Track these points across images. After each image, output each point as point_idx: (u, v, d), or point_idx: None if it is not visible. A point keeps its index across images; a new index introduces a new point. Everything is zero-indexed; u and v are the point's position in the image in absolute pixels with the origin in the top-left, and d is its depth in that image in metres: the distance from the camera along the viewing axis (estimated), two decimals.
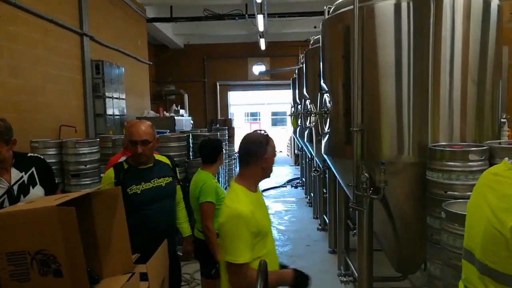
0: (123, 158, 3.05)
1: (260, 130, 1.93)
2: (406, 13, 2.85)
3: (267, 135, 1.89)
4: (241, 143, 1.91)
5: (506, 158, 1.56)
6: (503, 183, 1.34)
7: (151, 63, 10.41)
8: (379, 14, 2.92)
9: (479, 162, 2.41)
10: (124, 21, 8.18)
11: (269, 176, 1.98)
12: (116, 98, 6.87)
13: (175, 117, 7.86)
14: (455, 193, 2.39)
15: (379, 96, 2.97)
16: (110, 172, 2.45)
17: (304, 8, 8.88)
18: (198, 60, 13.74)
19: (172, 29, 11.76)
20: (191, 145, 5.24)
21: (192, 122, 9.93)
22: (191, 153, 5.20)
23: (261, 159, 1.84)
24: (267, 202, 7.89)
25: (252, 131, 2.07)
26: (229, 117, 13.28)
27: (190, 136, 5.26)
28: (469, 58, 2.85)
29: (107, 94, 6.49)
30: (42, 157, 2.45)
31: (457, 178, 2.38)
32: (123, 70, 7.25)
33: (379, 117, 2.98)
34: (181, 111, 10.06)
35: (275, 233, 5.76)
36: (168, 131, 6.26)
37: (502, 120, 3.08)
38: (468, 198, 2.30)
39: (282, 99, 15.41)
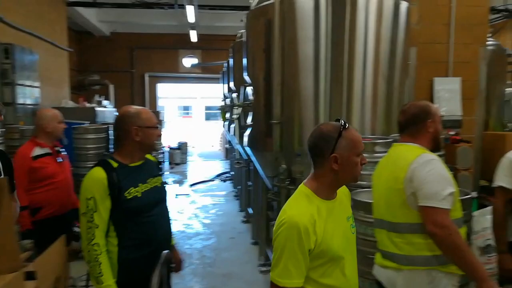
0: (38, 150, 2.77)
1: (339, 120, 1.47)
2: (324, 10, 2.95)
3: (342, 126, 1.44)
4: (310, 135, 1.53)
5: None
6: (397, 154, 1.96)
7: (72, 50, 9.70)
8: (299, 9, 2.98)
9: (385, 153, 2.57)
10: (39, 3, 7.51)
11: (349, 182, 1.55)
12: (29, 86, 6.27)
13: (96, 108, 7.39)
14: (363, 182, 2.52)
15: (298, 89, 3.05)
16: (99, 173, 1.81)
17: (236, 2, 8.86)
18: (125, 50, 13.09)
19: (97, 15, 11.06)
20: (111, 137, 4.96)
21: (117, 114, 9.45)
22: (110, 146, 4.93)
23: (328, 159, 1.42)
24: (195, 196, 7.79)
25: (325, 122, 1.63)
26: (157, 110, 12.85)
27: (110, 128, 4.98)
28: (380, 56, 3.03)
29: (18, 81, 5.90)
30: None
31: (364, 168, 2.51)
32: (37, 56, 6.65)
33: (298, 110, 3.06)
34: (105, 102, 9.51)
35: (199, 227, 5.70)
36: (88, 122, 5.87)
37: None
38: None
39: (215, 93, 15.29)
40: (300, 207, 1.41)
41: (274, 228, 1.43)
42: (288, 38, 3.00)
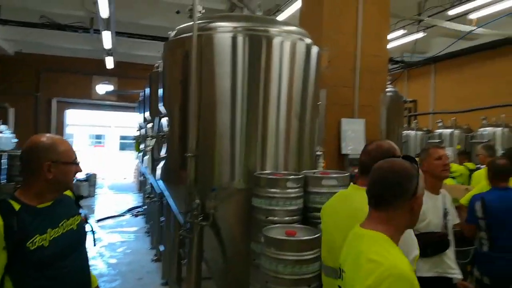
0: None
1: (399, 157, 1.32)
2: (241, 48, 3.01)
3: (415, 162, 1.29)
4: (375, 174, 1.32)
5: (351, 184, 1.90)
6: (358, 201, 1.65)
7: None
8: (217, 44, 3.01)
9: (296, 189, 2.63)
10: None
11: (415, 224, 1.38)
12: None
13: None
14: (275, 218, 2.54)
15: (215, 123, 3.02)
16: None
17: (155, 32, 8.77)
18: (31, 72, 12.06)
19: (0, 33, 10.12)
20: (4, 166, 4.41)
21: (16, 140, 8.55)
22: (4, 176, 4.37)
23: (410, 199, 1.25)
24: (101, 233, 7.19)
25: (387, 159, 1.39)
26: (65, 138, 11.89)
27: (3, 156, 4.44)
28: (293, 95, 3.16)
29: None
30: None
31: (276, 204, 2.54)
32: None
33: (214, 143, 3.02)
34: (1, 128, 8.54)
35: (103, 267, 5.22)
36: None
37: (318, 152, 3.48)
38: (286, 223, 2.47)
39: (131, 122, 14.67)
40: (395, 254, 1.21)
41: (367, 282, 1.15)
42: (205, 71, 3.00)
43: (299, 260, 2.18)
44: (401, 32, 7.92)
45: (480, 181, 3.72)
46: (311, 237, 2.24)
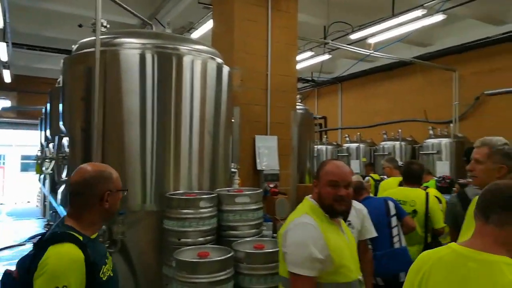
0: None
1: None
2: (150, 65, 2.93)
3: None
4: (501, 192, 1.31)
5: (308, 196, 1.94)
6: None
7: None
8: (124, 60, 2.89)
9: (209, 209, 2.60)
10: None
11: None
12: None
13: None
14: (188, 240, 2.47)
15: (123, 143, 2.87)
16: (75, 252, 1.39)
17: (61, 45, 8.18)
18: None
19: None
20: None
21: None
22: None
23: None
24: None
25: None
26: None
27: None
28: (205, 113, 3.15)
29: None
30: None
31: (189, 225, 2.47)
32: None
33: (123, 165, 2.86)
34: None
35: None
36: None
37: (233, 169, 3.50)
38: (200, 244, 2.41)
39: (34, 141, 13.41)
40: None
41: None
42: (110, 89, 2.85)
43: (213, 281, 2.14)
44: (309, 53, 8.43)
45: (387, 189, 4.05)
46: (223, 257, 2.21)
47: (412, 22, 6.28)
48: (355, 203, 2.51)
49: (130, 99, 2.88)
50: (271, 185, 4.18)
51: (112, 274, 1.58)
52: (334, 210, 1.81)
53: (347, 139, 10.12)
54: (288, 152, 4.56)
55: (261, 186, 4.22)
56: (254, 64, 4.38)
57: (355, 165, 8.97)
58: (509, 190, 1.27)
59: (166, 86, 2.95)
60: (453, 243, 1.37)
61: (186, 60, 3.02)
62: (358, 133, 9.76)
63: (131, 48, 2.91)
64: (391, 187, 4.16)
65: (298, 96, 6.23)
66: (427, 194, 3.43)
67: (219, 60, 3.29)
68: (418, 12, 5.78)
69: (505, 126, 7.94)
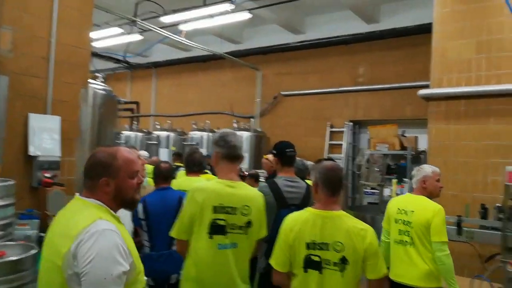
0: None
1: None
2: None
3: None
4: None
5: (77, 194, 1.60)
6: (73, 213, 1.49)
7: None
8: None
9: None
10: None
11: None
12: None
13: None
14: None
15: None
16: None
17: None
18: None
19: None
20: None
21: None
22: None
23: None
24: None
25: None
26: None
27: None
28: None
29: None
30: None
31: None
32: None
33: None
34: None
35: None
36: None
37: None
38: None
39: None
40: None
41: None
42: None
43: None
44: (118, 30, 7.73)
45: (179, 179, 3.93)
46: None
47: (221, 15, 6.42)
48: None
49: None
50: (47, 175, 3.50)
51: None
52: (135, 201, 1.60)
53: (158, 126, 9.84)
54: (74, 137, 3.94)
55: (35, 175, 3.50)
56: (33, 26, 3.58)
57: (164, 154, 8.77)
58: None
59: None
60: (308, 208, 2.09)
61: None
62: (169, 121, 9.60)
63: None
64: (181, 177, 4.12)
65: (101, 75, 5.57)
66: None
67: None
68: (227, 6, 5.92)
69: (297, 124, 9.10)
